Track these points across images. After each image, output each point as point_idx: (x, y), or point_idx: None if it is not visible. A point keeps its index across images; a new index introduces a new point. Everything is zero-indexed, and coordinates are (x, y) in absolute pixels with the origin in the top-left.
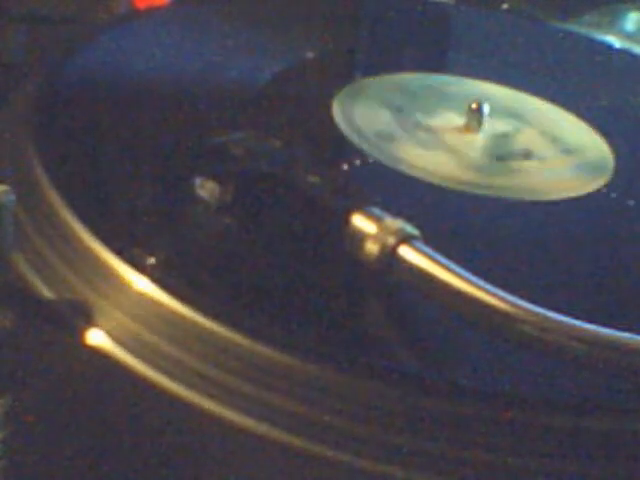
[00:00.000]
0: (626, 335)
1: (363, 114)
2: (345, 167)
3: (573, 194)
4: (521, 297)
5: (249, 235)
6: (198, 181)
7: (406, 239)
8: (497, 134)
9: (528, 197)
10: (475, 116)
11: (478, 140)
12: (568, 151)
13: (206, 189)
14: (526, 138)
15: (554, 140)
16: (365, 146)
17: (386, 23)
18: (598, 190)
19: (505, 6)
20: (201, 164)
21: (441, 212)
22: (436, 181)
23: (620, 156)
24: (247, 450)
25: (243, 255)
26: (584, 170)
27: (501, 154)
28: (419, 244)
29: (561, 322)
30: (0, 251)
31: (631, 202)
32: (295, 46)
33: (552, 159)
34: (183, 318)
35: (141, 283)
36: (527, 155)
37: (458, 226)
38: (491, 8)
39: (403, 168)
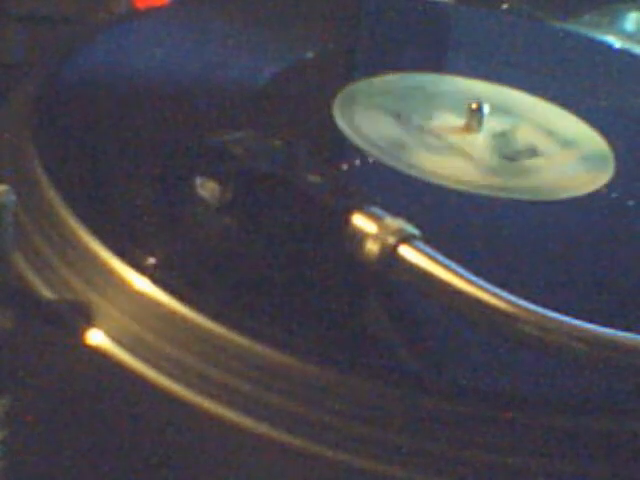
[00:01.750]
0: (626, 335)
1: (363, 114)
2: (345, 167)
3: (583, 189)
4: (521, 297)
5: (249, 235)
6: (198, 181)
7: (406, 239)
8: (499, 133)
9: (544, 197)
10: (475, 116)
11: (482, 140)
12: (567, 144)
13: (206, 189)
14: (526, 135)
15: (551, 135)
16: (365, 146)
17: (386, 23)
18: (598, 190)
19: (505, 6)
20: (201, 164)
21: (441, 212)
22: (453, 185)
23: (620, 156)
24: (247, 450)
25: (243, 255)
26: (587, 163)
27: (509, 154)
28: (419, 244)
29: (561, 322)
30: (0, 251)
31: (631, 202)
32: (295, 46)
33: (555, 154)
34: (183, 318)
35: (141, 283)
36: (533, 152)
37: (458, 226)
38: (491, 8)
39: (413, 172)
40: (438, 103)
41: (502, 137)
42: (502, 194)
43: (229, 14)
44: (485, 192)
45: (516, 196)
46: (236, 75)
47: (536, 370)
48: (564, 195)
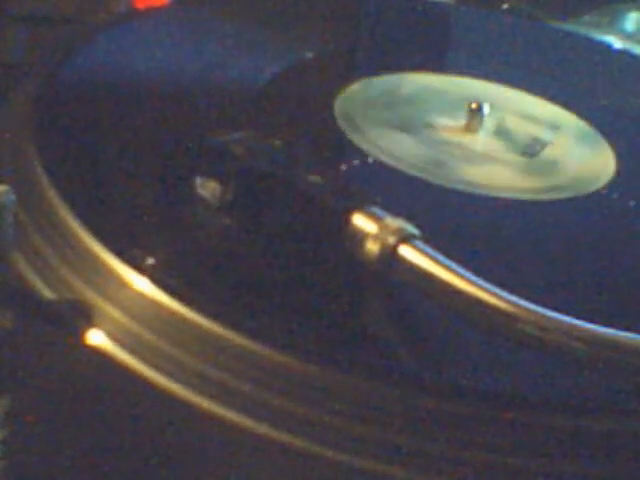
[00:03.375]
0: (626, 335)
1: (363, 114)
2: (345, 167)
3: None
4: (521, 297)
5: (249, 235)
6: (199, 181)
7: (406, 239)
8: (498, 130)
9: (583, 190)
10: (475, 116)
11: (489, 140)
12: (554, 128)
13: (207, 189)
14: (520, 127)
15: (536, 121)
16: (365, 146)
17: (386, 23)
18: (598, 190)
19: (505, 6)
20: (201, 164)
21: (441, 212)
22: (495, 193)
23: (620, 156)
24: (247, 450)
25: (243, 255)
26: (583, 143)
27: (525, 150)
28: (419, 244)
29: (561, 322)
30: (0, 251)
31: (632, 202)
32: (295, 46)
33: (554, 140)
34: (183, 318)
35: (141, 283)
36: (541, 143)
37: (458, 226)
38: (491, 8)
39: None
40: (438, 103)
41: (504, 134)
42: (545, 196)
43: (229, 14)
44: (529, 196)
45: (558, 195)
46: (236, 75)
47: (536, 370)
48: (598, 183)
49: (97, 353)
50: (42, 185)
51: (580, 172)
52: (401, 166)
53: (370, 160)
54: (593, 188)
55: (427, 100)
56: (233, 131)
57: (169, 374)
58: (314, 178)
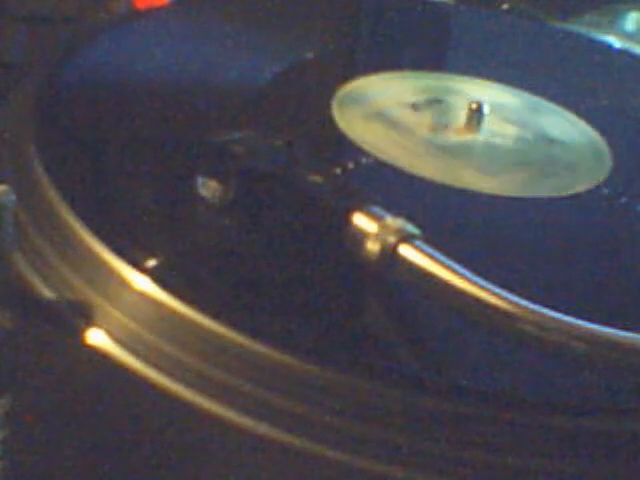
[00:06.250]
0: (626, 335)
1: (363, 114)
2: (346, 167)
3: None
4: (522, 296)
5: (250, 235)
6: (199, 181)
7: (407, 238)
8: (497, 133)
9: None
10: (475, 116)
11: (488, 141)
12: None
13: (207, 189)
14: (526, 130)
15: (538, 123)
16: (365, 146)
17: (386, 23)
18: (598, 189)
19: (505, 6)
20: (202, 164)
21: (442, 211)
22: (492, 192)
23: (620, 156)
24: (247, 450)
25: (243, 255)
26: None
27: (523, 150)
28: (420, 243)
29: (562, 321)
30: (0, 251)
31: (631, 201)
32: (295, 46)
33: (555, 141)
34: (183, 318)
35: (141, 283)
36: (550, 141)
37: (459, 225)
38: (491, 8)
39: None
40: (438, 103)
41: (502, 135)
42: (542, 194)
43: (229, 14)
44: (527, 195)
45: (556, 194)
46: (236, 75)
47: (536, 370)
48: (597, 183)
49: (97, 353)
50: (42, 185)
51: (577, 171)
52: (401, 166)
53: (370, 160)
54: (591, 187)
55: (427, 100)
56: (233, 131)
57: (169, 374)
58: (314, 178)
